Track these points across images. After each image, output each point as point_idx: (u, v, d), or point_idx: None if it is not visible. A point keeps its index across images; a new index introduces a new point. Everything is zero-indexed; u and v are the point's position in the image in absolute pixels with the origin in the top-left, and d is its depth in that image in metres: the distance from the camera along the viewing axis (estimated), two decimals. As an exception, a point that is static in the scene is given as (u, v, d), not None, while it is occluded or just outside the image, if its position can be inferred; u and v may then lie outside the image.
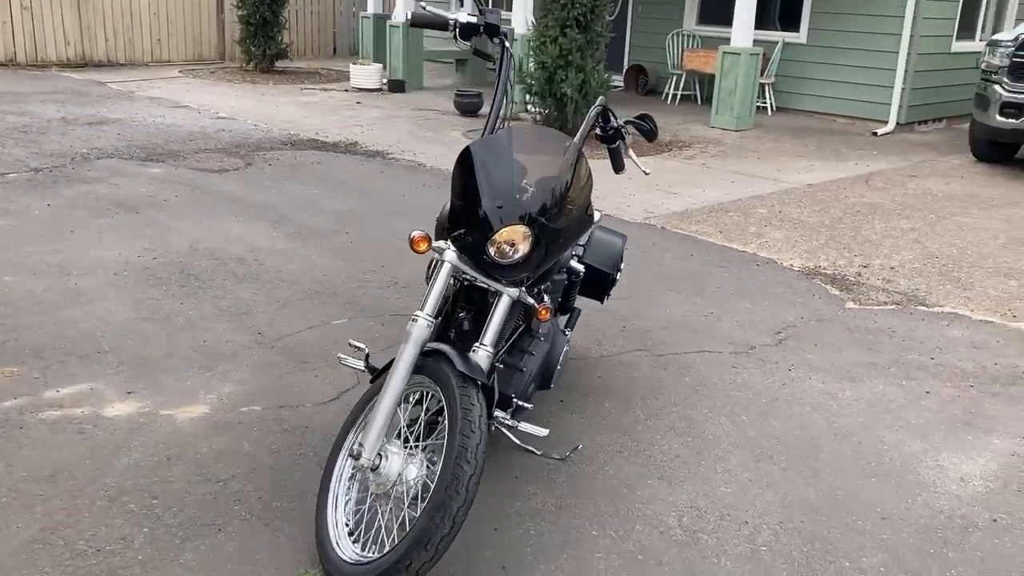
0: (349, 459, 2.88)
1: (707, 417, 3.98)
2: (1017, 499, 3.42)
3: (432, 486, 2.56)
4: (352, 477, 2.88)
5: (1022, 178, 9.61)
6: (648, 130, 3.27)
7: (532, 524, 3.08)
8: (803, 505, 3.30)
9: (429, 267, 3.52)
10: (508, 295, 2.83)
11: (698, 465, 3.56)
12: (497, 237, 2.71)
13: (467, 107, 12.29)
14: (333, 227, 6.64)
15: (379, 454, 2.67)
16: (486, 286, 2.88)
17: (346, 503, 2.84)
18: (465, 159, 2.77)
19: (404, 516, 2.67)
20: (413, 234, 2.80)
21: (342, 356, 3.41)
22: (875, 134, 11.96)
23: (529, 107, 10.80)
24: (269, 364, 4.28)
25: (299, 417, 3.78)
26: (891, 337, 5.05)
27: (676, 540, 3.04)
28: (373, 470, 2.67)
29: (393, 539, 2.63)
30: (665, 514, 3.19)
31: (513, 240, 2.73)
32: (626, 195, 8.11)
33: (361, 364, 3.29)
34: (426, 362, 2.74)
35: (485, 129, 2.98)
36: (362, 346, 3.29)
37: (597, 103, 3.31)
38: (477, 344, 2.85)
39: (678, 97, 14.05)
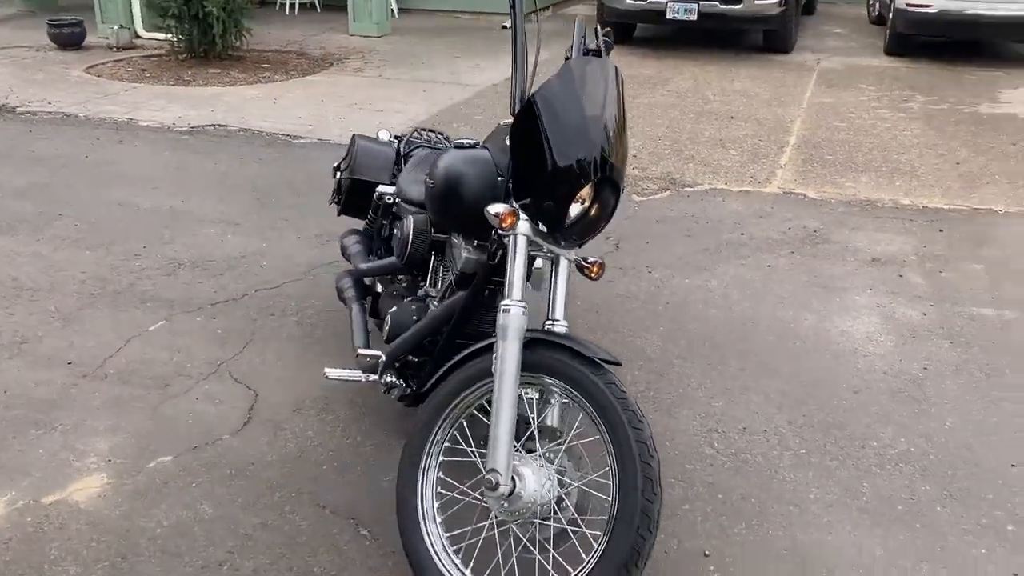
0: (435, 493, 2.38)
1: (635, 335, 3.90)
2: (925, 345, 3.84)
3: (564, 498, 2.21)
4: (442, 509, 2.39)
5: (655, 56, 10.54)
6: (609, 45, 2.97)
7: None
8: (789, 399, 3.40)
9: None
10: (567, 259, 2.46)
11: (668, 388, 3.48)
12: (583, 193, 2.31)
13: (68, 39, 10.40)
14: (35, 210, 5.31)
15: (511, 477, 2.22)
16: (542, 255, 2.47)
17: (450, 546, 2.35)
18: (528, 114, 2.29)
19: (535, 536, 2.27)
20: (500, 210, 2.29)
21: (332, 372, 2.76)
22: (504, 27, 12.27)
23: (164, 32, 9.44)
24: (124, 399, 3.35)
25: (231, 455, 3.02)
26: (696, 222, 5.33)
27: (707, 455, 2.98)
28: (507, 496, 2.22)
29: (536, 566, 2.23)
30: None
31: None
32: (330, 117, 7.52)
33: (372, 377, 2.73)
34: (527, 356, 2.29)
35: (515, 97, 2.46)
36: (377, 353, 2.69)
37: (577, 18, 2.91)
38: (549, 319, 2.45)
39: (296, 7, 13.19)
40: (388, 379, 2.77)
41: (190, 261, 4.62)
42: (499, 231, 2.32)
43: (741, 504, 2.77)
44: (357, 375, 2.80)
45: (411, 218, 2.80)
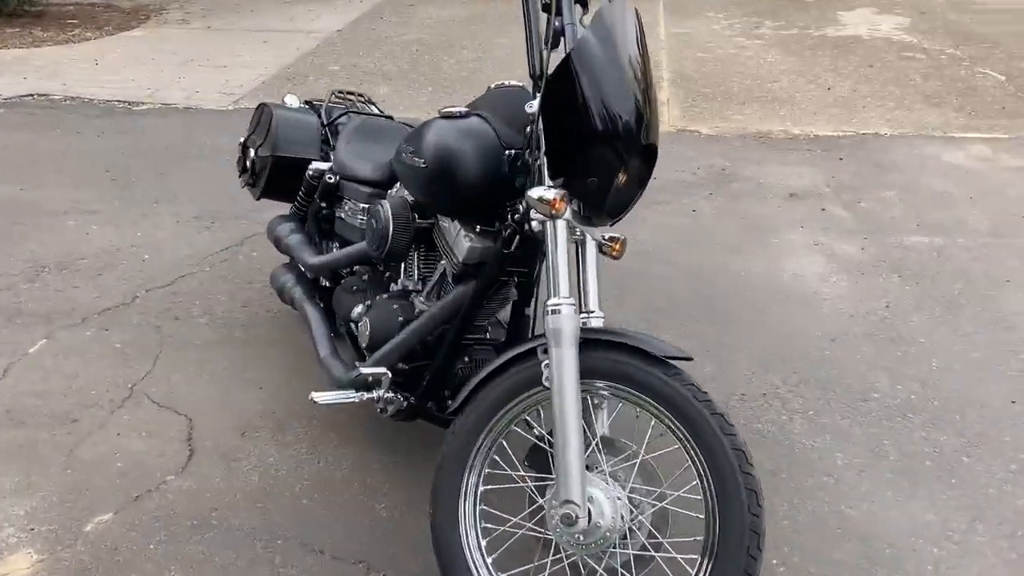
0: (480, 527, 2.03)
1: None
2: (877, 282, 3.78)
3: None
4: (491, 546, 2.04)
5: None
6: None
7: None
8: (773, 357, 3.24)
9: None
10: (594, 238, 2.12)
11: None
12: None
13: None
14: None
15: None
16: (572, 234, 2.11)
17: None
18: (563, 77, 1.92)
19: (613, 566, 1.98)
20: (549, 195, 1.91)
21: (320, 397, 2.32)
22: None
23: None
24: (27, 446, 2.75)
25: (185, 501, 2.53)
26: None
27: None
28: (583, 527, 1.90)
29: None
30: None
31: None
32: (167, 78, 6.72)
33: (368, 395, 2.31)
34: (580, 359, 1.95)
35: (535, 56, 2.04)
36: (382, 370, 2.27)
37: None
38: (586, 313, 2.12)
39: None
40: (386, 394, 2.36)
41: (55, 263, 3.93)
42: (544, 217, 1.95)
43: (774, 481, 2.57)
44: (350, 395, 2.37)
45: (387, 203, 2.37)
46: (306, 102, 3.29)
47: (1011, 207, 4.51)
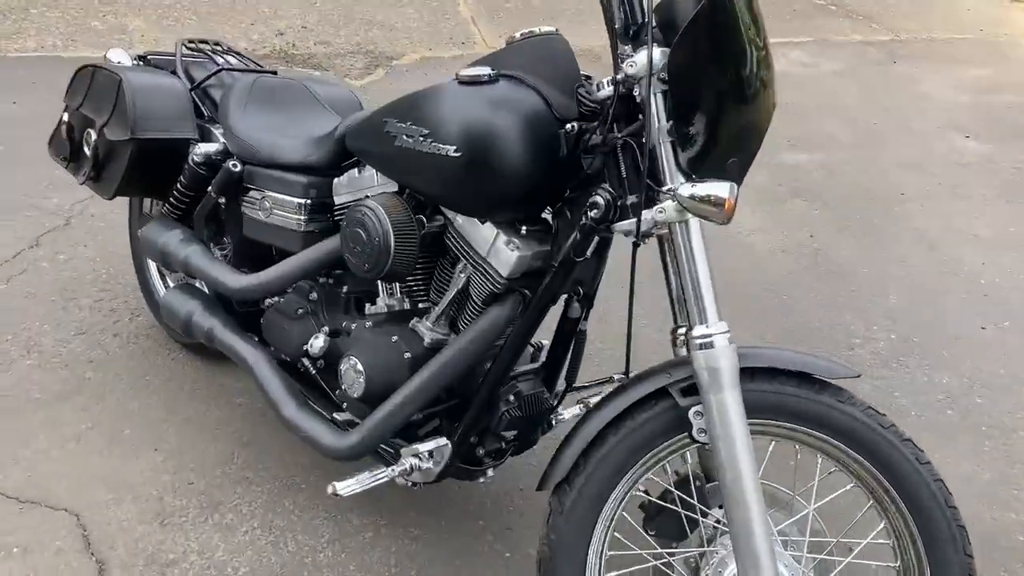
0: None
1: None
2: (786, 210, 3.59)
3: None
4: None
5: None
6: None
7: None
8: (738, 309, 2.95)
9: None
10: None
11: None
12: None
13: None
14: None
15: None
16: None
17: None
18: (708, 26, 1.39)
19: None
20: (727, 194, 1.37)
21: (344, 487, 1.67)
22: None
23: None
24: None
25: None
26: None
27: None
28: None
29: None
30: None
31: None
32: None
33: (397, 468, 1.70)
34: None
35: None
36: (443, 442, 1.66)
37: None
38: (706, 330, 1.62)
39: None
40: (412, 461, 1.76)
41: None
42: (675, 218, 1.44)
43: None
44: (379, 474, 1.73)
45: (377, 205, 1.72)
46: (140, 57, 2.45)
47: (860, 115, 4.51)
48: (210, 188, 2.14)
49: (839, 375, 1.49)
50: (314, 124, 2.17)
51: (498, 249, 1.64)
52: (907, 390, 2.56)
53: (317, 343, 1.95)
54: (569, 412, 1.99)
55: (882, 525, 1.53)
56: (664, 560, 1.59)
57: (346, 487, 1.65)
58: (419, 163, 1.62)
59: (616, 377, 2.04)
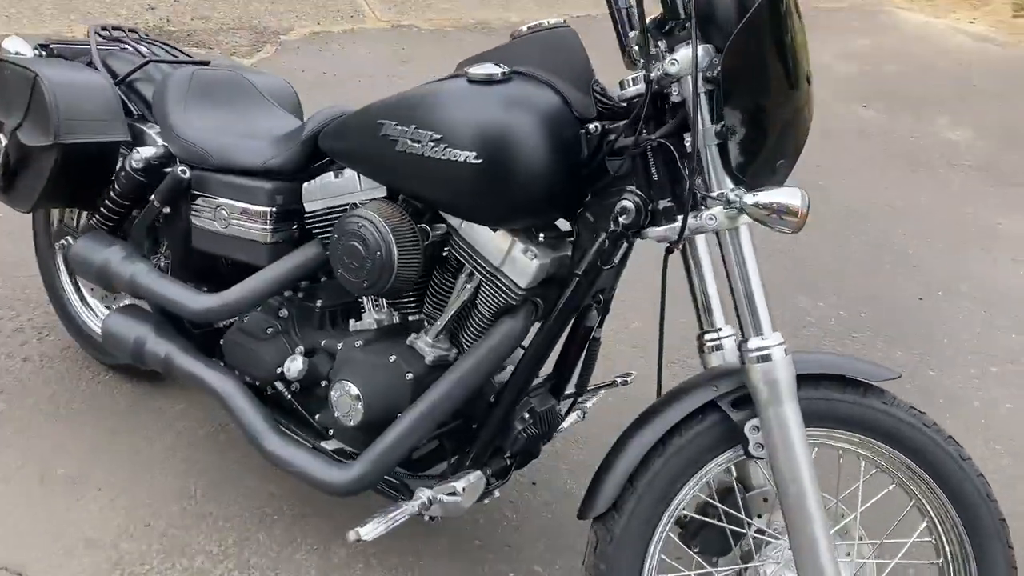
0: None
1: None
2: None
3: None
4: None
5: None
6: None
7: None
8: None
9: None
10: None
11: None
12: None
13: None
14: None
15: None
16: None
17: None
18: (768, 19, 1.30)
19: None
20: (799, 203, 1.28)
21: (368, 531, 1.51)
22: None
23: None
24: None
25: None
26: (357, 80, 4.28)
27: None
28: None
29: None
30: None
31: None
32: None
33: (417, 502, 1.55)
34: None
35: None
36: (475, 479, 1.52)
37: None
38: (714, 332, 1.60)
39: None
40: (429, 494, 1.62)
41: None
42: (722, 224, 1.35)
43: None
44: (403, 510, 1.57)
45: (374, 214, 1.56)
46: (42, 47, 2.17)
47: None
48: (152, 197, 1.91)
49: (883, 377, 1.46)
50: (267, 122, 1.97)
51: (515, 258, 1.51)
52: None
53: (295, 366, 1.77)
54: (568, 421, 1.89)
55: (924, 524, 1.51)
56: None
57: (370, 531, 1.50)
58: (429, 170, 1.47)
59: (619, 380, 1.96)
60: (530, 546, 1.95)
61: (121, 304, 2.05)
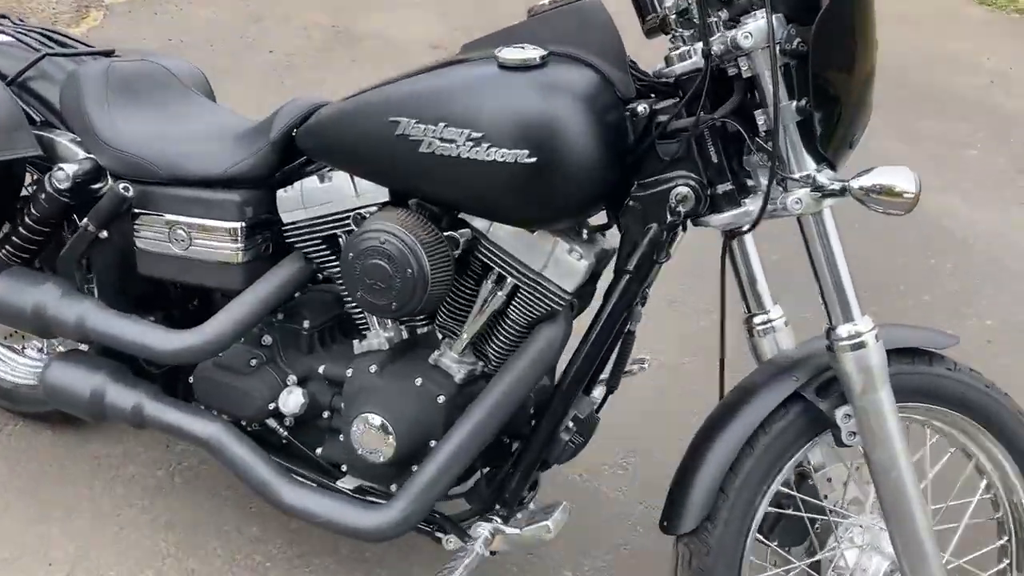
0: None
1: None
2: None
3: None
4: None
5: None
6: None
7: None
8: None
9: None
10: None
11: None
12: None
13: None
14: None
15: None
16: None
17: None
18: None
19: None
20: (913, 185, 1.18)
21: None
22: None
23: None
24: None
25: None
26: (214, 46, 3.88)
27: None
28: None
29: None
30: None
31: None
32: None
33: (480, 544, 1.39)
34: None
35: None
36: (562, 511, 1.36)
37: None
38: (763, 314, 1.53)
39: None
40: (489, 529, 1.46)
41: None
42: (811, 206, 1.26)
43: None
44: (467, 554, 1.39)
45: (394, 223, 1.37)
46: None
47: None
48: (85, 221, 1.61)
49: (947, 344, 1.44)
50: (211, 120, 1.70)
51: (559, 260, 1.37)
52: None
53: (292, 399, 1.56)
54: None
55: (983, 482, 1.52)
56: (797, 568, 1.47)
57: (441, 587, 1.33)
58: (467, 173, 1.30)
59: (635, 368, 1.85)
60: (555, 555, 1.83)
61: (58, 351, 1.73)
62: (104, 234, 1.62)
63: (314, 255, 1.54)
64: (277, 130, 1.51)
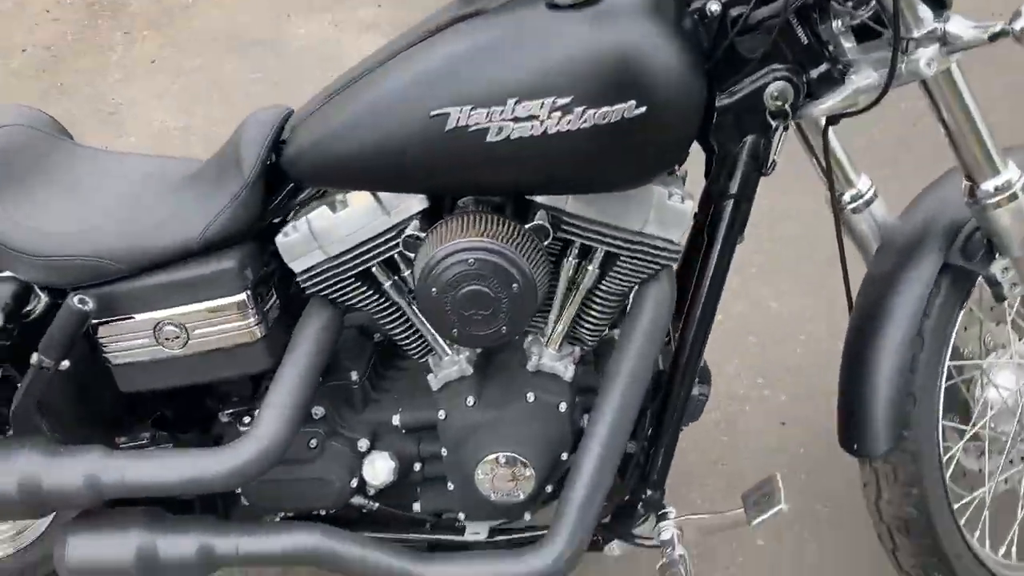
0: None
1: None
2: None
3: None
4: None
5: None
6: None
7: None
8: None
9: None
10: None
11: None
12: None
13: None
14: None
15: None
16: None
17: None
18: None
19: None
20: None
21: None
22: None
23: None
24: None
25: None
26: None
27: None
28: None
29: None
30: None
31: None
32: None
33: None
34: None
35: None
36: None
37: None
38: (1006, 177, 1.29)
39: None
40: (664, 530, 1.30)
41: None
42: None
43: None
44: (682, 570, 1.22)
45: (470, 237, 1.11)
46: None
47: None
48: (36, 356, 1.23)
49: None
50: (136, 175, 1.34)
51: (662, 210, 1.18)
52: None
53: (380, 467, 1.33)
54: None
55: None
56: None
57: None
58: (561, 149, 1.08)
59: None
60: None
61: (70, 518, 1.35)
62: (65, 364, 1.24)
63: (344, 298, 1.25)
64: (249, 163, 1.19)
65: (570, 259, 1.21)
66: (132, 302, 1.23)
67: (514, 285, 1.10)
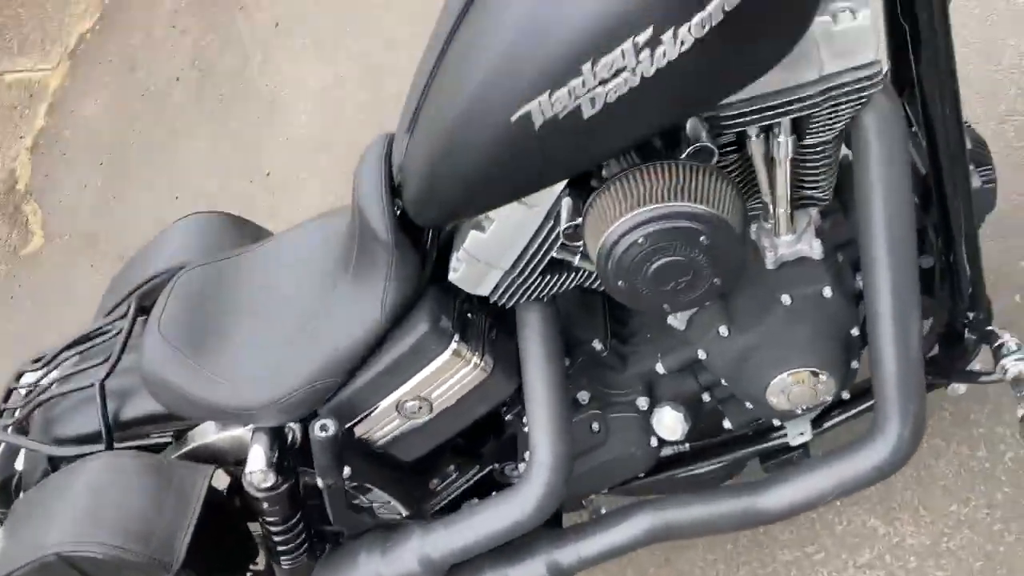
0: None
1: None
2: None
3: None
4: None
5: None
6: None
7: None
8: None
9: None
10: None
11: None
12: None
13: None
14: None
15: None
16: None
17: None
18: None
19: None
20: None
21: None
22: None
23: None
24: None
25: None
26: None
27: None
28: None
29: None
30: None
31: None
32: None
33: None
34: None
35: None
36: None
37: None
38: None
39: None
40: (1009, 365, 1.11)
41: None
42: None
43: None
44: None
45: (632, 205, 0.94)
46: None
47: None
48: (321, 482, 1.26)
49: None
50: (300, 269, 1.30)
51: (835, 38, 0.95)
52: None
53: (669, 420, 1.29)
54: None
55: None
56: None
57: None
58: (671, 83, 0.86)
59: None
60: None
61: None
62: (347, 472, 1.26)
63: (544, 293, 1.14)
64: (382, 225, 1.09)
65: (753, 141, 0.99)
66: (363, 402, 1.21)
67: (701, 238, 0.93)
